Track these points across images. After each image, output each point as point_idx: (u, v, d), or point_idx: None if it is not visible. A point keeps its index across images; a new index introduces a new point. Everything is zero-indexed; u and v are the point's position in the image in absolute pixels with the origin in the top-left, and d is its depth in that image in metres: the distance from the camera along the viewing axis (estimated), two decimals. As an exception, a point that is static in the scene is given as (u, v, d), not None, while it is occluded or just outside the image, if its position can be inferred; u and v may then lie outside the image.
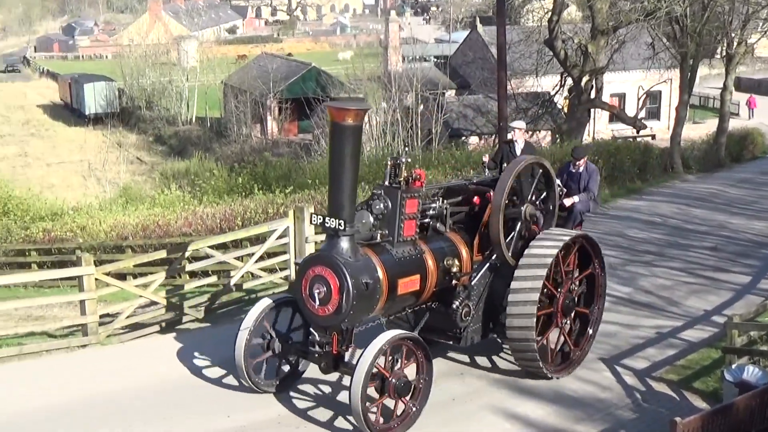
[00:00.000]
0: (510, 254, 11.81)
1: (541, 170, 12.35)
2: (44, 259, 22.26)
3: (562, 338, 12.44)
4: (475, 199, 12.24)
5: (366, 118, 38.36)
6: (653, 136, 48.26)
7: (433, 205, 11.64)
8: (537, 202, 12.44)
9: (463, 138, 42.68)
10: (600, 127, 52.82)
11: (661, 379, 12.49)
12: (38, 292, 19.97)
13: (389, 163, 11.19)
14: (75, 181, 56.00)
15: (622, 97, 56.25)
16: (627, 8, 34.87)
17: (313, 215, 10.69)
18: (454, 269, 11.28)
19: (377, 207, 10.95)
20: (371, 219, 10.96)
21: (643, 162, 30.14)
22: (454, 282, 11.35)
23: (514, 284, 11.60)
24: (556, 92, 39.63)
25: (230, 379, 11.93)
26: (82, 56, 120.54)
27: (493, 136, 37.20)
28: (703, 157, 36.90)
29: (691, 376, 12.63)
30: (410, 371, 10.59)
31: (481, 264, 12.02)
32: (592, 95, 36.56)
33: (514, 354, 12.04)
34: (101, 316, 13.95)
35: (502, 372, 12.55)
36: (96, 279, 13.58)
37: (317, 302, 10.40)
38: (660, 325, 14.73)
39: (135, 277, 17.46)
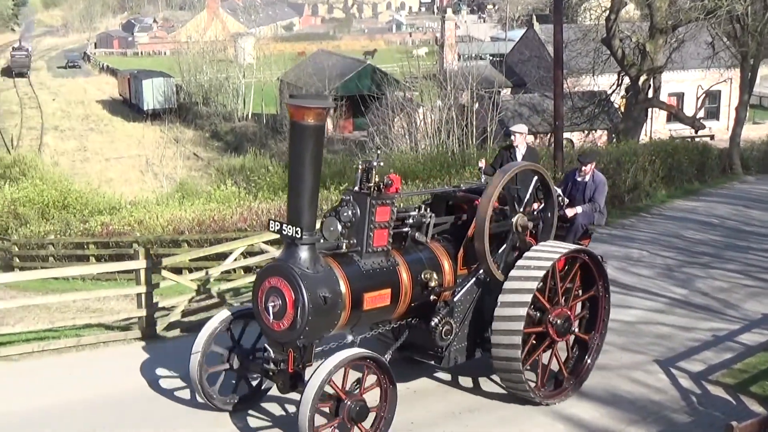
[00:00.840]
0: (500, 268, 10.95)
1: (536, 178, 11.43)
2: (102, 252, 22.65)
3: (555, 362, 11.55)
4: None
5: (419, 116, 38.41)
6: (712, 137, 47.55)
7: (412, 213, 10.82)
8: (533, 213, 11.67)
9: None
10: (657, 127, 52.18)
11: (718, 383, 12.25)
12: (96, 285, 20.31)
13: (360, 167, 10.23)
14: (132, 176, 56.81)
15: (680, 96, 55.54)
16: (687, 7, 34.43)
17: (272, 221, 9.87)
18: (432, 283, 10.47)
19: (345, 214, 10.02)
20: (339, 227, 10.03)
21: (701, 162, 29.66)
22: (432, 297, 10.55)
23: (501, 298, 10.67)
24: (613, 91, 39.26)
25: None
26: (141, 52, 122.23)
27: (549, 135, 36.91)
28: (762, 158, 36.26)
29: (748, 380, 12.37)
30: (375, 396, 9.93)
31: (466, 278, 11.07)
32: (650, 94, 36.14)
33: (499, 375, 11.10)
34: (158, 309, 14.12)
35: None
36: (153, 272, 13.77)
37: (271, 316, 9.62)
38: (717, 327, 14.47)
39: (191, 271, 17.65)
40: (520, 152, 13.57)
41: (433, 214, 10.95)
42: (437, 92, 40.19)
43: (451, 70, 42.75)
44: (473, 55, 48.17)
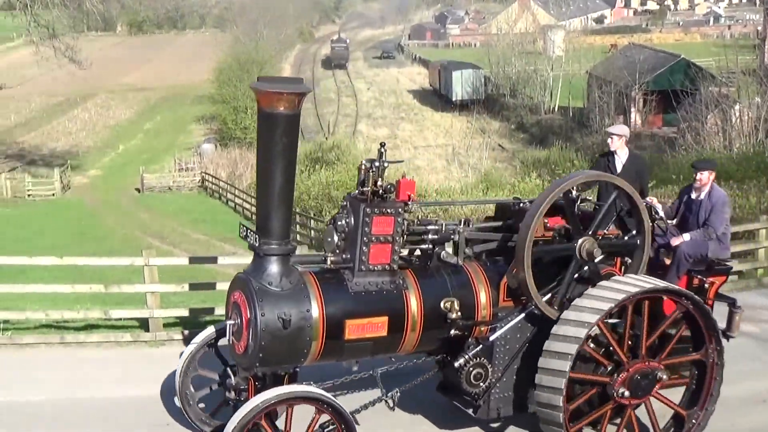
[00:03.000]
0: (559, 303, 8.60)
1: (616, 192, 8.88)
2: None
3: None
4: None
5: (735, 113, 36.47)
6: None
7: (431, 227, 8.72)
8: (617, 237, 9.20)
9: None
10: None
11: None
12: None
13: (363, 167, 8.36)
14: (439, 165, 58.31)
15: None
16: None
17: (242, 225, 8.41)
18: (453, 315, 8.43)
19: (340, 223, 8.34)
20: (336, 238, 8.38)
21: None
22: (454, 332, 8.53)
23: (546, 344, 8.40)
24: None
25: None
26: (452, 44, 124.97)
27: None
28: None
29: None
30: None
31: (512, 313, 8.80)
32: None
33: None
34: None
35: None
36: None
37: (232, 336, 8.25)
38: None
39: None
40: (619, 159, 11.18)
41: (467, 229, 8.85)
42: (756, 89, 38.09)
43: (773, 66, 40.32)
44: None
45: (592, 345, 8.54)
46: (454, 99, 77.15)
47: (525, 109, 72.19)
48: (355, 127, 70.77)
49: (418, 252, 8.89)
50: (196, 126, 76.97)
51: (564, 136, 60.45)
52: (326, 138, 56.78)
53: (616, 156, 11.20)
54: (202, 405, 9.00)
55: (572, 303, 8.43)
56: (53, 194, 50.93)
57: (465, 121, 72.96)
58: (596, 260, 8.66)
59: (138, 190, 53.73)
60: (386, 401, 8.64)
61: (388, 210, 8.20)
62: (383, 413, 8.86)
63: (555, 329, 8.33)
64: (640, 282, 8.54)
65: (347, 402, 8.24)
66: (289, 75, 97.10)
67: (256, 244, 7.96)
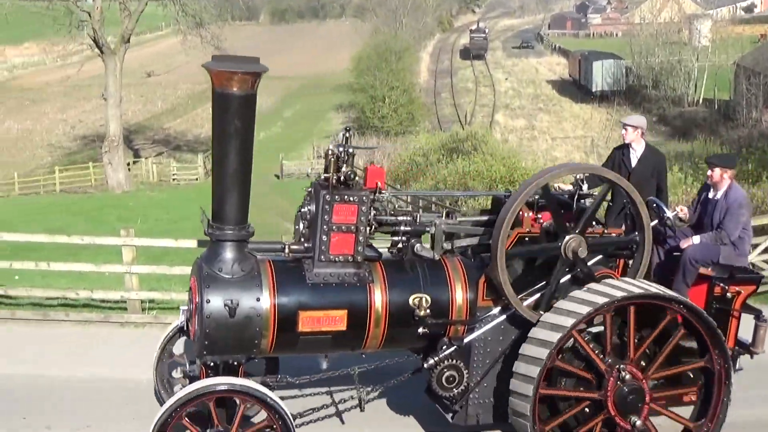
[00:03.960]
0: (544, 306, 7.95)
1: (609, 187, 8.34)
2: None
3: None
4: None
5: None
6: None
7: (404, 218, 8.14)
8: (619, 237, 8.44)
9: None
10: None
11: None
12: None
13: (329, 152, 7.85)
14: (577, 157, 57.42)
15: None
16: None
17: (202, 210, 8.08)
18: (421, 312, 7.86)
19: (304, 210, 7.99)
20: (301, 227, 8.04)
21: None
22: (422, 330, 7.96)
23: (522, 348, 7.81)
24: None
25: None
26: (593, 34, 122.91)
27: None
28: None
29: None
30: None
31: (493, 313, 8.18)
32: None
33: None
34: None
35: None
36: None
37: (188, 322, 8.06)
38: None
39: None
40: (635, 153, 10.42)
41: (446, 222, 8.29)
42: None
43: None
44: None
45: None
46: (593, 90, 75.84)
47: (667, 101, 70.37)
48: (492, 117, 70.40)
49: (401, 245, 8.25)
50: (335, 114, 77.97)
51: (708, 130, 58.63)
52: (463, 128, 56.63)
53: (631, 149, 10.44)
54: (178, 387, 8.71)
55: (545, 315, 7.79)
56: (197, 179, 52.57)
57: (605, 112, 71.58)
58: (584, 260, 7.98)
59: (277, 176, 54.84)
60: (359, 401, 8.28)
61: (351, 198, 7.71)
62: (368, 414, 8.61)
63: (532, 332, 7.76)
64: (629, 286, 7.79)
65: (320, 400, 8.31)
66: (427, 65, 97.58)
67: (209, 230, 7.71)
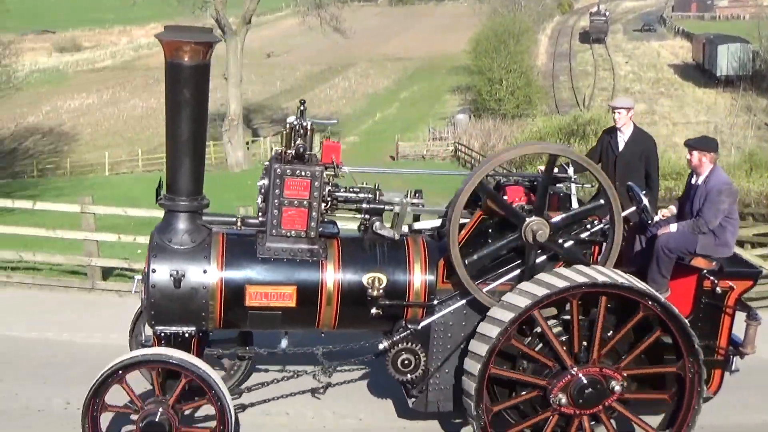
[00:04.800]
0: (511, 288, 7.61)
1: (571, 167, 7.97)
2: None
3: None
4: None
5: None
6: None
7: (359, 195, 7.95)
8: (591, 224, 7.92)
9: None
10: None
11: None
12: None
13: (287, 126, 7.75)
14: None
15: None
16: None
17: (161, 180, 7.86)
18: (374, 292, 7.61)
19: (260, 184, 7.89)
20: (259, 200, 7.93)
21: None
22: (374, 311, 7.67)
23: (479, 327, 7.51)
24: None
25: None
26: (719, 17, 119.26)
27: None
28: None
29: None
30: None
31: (454, 296, 7.84)
32: None
33: None
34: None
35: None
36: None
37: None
38: None
39: (753, 246, 17.04)
40: (622, 136, 10.00)
41: (409, 201, 7.95)
42: None
43: None
44: None
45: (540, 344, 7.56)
46: (718, 74, 73.58)
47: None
48: (612, 101, 69.18)
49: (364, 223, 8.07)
50: (451, 96, 77.85)
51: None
52: (581, 111, 55.84)
53: (618, 132, 10.02)
54: None
55: (518, 286, 7.46)
56: (314, 158, 53.25)
57: (729, 98, 69.53)
58: (558, 242, 7.56)
59: (392, 157, 55.16)
60: (316, 377, 8.24)
61: (303, 172, 7.54)
62: (336, 392, 8.69)
63: (490, 311, 7.44)
64: (597, 274, 7.31)
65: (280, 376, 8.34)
66: (546, 47, 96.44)
67: (161, 200, 7.66)
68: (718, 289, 7.89)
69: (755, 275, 8.19)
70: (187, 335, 7.67)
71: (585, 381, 7.28)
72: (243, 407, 8.36)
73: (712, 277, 7.90)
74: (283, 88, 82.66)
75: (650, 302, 7.24)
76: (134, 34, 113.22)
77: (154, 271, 7.48)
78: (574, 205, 7.99)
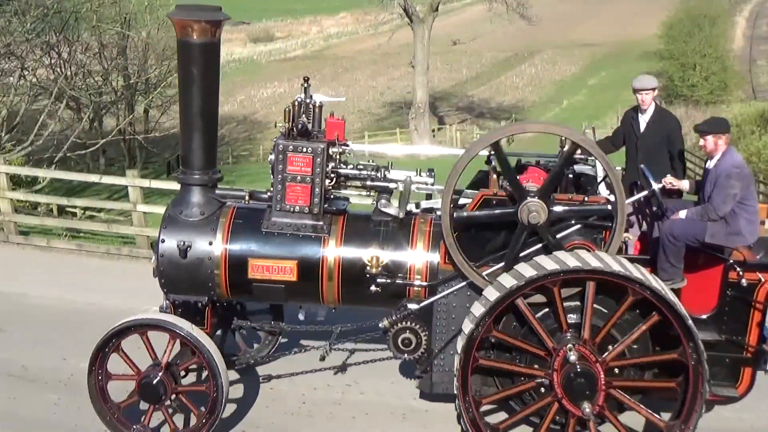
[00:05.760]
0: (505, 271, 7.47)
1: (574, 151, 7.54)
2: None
3: None
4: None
5: None
6: None
7: (363, 172, 7.99)
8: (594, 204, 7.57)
9: None
10: None
11: None
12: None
13: (294, 103, 7.94)
14: None
15: None
16: None
17: (177, 157, 7.53)
18: (373, 270, 7.70)
19: (268, 160, 8.02)
20: (271, 177, 8.00)
21: None
22: (374, 288, 7.73)
23: (472, 307, 7.46)
24: None
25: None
26: None
27: None
28: None
29: None
30: None
31: (454, 276, 7.77)
32: None
33: None
34: None
35: None
36: None
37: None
38: None
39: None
40: (643, 117, 9.50)
41: (415, 180, 8.03)
42: None
43: None
44: None
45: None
46: None
47: None
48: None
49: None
50: (641, 82, 75.74)
51: None
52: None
53: (640, 113, 9.57)
54: None
55: (514, 268, 7.30)
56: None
57: None
58: (546, 227, 7.36)
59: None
60: (325, 351, 8.53)
61: (305, 149, 7.71)
62: (363, 370, 9.18)
63: (484, 292, 7.36)
64: (592, 259, 7.10)
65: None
66: (743, 30, 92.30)
67: (176, 174, 7.94)
68: (743, 281, 7.37)
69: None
70: (199, 305, 8.06)
71: (575, 371, 7.15)
72: (269, 377, 9.13)
73: (738, 268, 7.39)
74: (469, 75, 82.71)
75: (638, 286, 6.99)
76: (324, 23, 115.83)
77: (163, 241, 7.92)
78: (602, 191, 8.02)
